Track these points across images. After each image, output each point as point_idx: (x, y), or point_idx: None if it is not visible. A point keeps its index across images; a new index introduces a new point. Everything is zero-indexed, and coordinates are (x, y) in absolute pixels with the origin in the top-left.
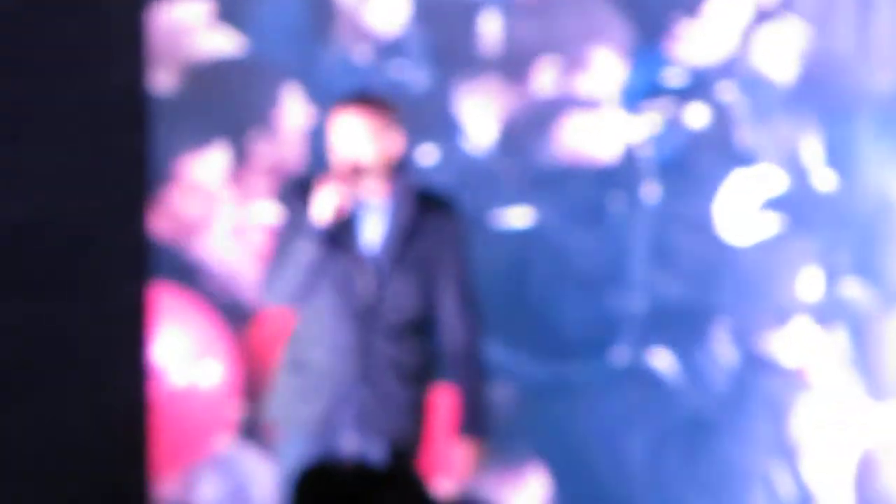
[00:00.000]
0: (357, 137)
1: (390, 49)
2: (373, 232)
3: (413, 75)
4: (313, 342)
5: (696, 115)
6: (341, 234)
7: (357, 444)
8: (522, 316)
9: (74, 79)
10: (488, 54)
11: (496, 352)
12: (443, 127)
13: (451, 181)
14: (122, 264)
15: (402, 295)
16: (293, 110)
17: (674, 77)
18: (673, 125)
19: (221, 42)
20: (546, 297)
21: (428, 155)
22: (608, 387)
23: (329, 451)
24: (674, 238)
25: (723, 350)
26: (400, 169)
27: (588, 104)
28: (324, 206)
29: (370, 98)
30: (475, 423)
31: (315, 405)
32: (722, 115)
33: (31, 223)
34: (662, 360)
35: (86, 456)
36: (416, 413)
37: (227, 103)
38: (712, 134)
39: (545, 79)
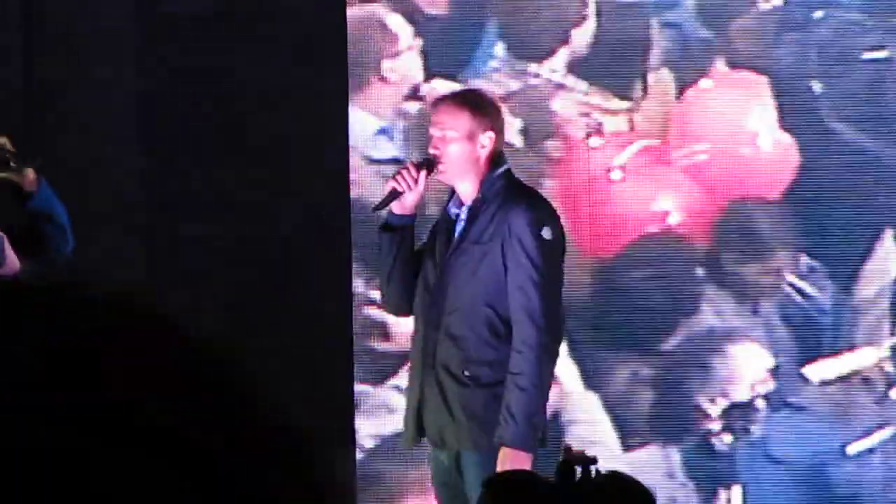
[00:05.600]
0: (447, 135)
1: None
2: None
3: None
4: (411, 352)
5: None
6: (438, 239)
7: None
8: None
9: None
10: None
11: None
12: None
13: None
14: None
15: (467, 295)
16: None
17: None
18: None
19: None
20: None
21: None
22: None
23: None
24: None
25: None
26: (494, 170)
27: None
28: (390, 197)
29: (469, 95)
30: (508, 430)
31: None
32: None
33: None
34: None
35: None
36: (477, 412)
37: None
38: None
39: None
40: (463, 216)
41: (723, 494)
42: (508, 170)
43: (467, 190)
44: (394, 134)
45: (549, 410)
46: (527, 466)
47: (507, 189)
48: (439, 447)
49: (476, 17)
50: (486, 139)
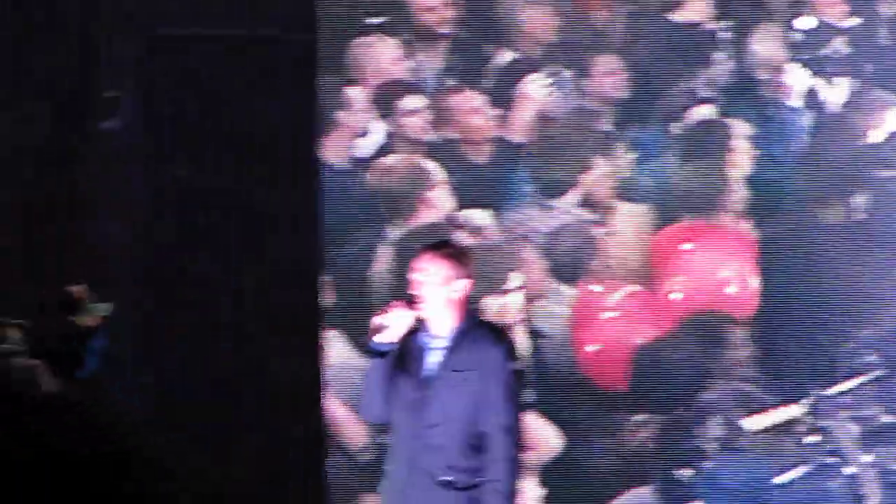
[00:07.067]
0: (428, 280)
1: None
2: (435, 360)
3: None
4: (392, 454)
5: None
6: (412, 363)
7: None
8: None
9: None
10: None
11: None
12: None
13: None
14: None
15: (450, 413)
16: None
17: None
18: None
19: None
20: None
21: None
22: None
23: None
24: None
25: None
26: (466, 308)
27: None
28: (381, 330)
29: (448, 248)
30: None
31: None
32: None
33: None
34: None
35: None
36: None
37: None
38: None
39: None
40: (439, 346)
41: None
42: (475, 309)
43: (441, 325)
44: None
45: None
46: None
47: (479, 326)
48: None
49: (510, 163)
50: (460, 285)
